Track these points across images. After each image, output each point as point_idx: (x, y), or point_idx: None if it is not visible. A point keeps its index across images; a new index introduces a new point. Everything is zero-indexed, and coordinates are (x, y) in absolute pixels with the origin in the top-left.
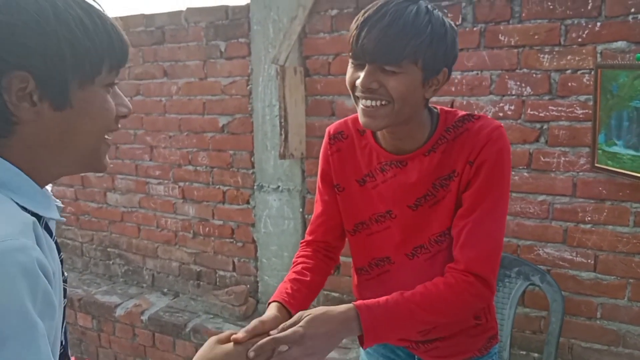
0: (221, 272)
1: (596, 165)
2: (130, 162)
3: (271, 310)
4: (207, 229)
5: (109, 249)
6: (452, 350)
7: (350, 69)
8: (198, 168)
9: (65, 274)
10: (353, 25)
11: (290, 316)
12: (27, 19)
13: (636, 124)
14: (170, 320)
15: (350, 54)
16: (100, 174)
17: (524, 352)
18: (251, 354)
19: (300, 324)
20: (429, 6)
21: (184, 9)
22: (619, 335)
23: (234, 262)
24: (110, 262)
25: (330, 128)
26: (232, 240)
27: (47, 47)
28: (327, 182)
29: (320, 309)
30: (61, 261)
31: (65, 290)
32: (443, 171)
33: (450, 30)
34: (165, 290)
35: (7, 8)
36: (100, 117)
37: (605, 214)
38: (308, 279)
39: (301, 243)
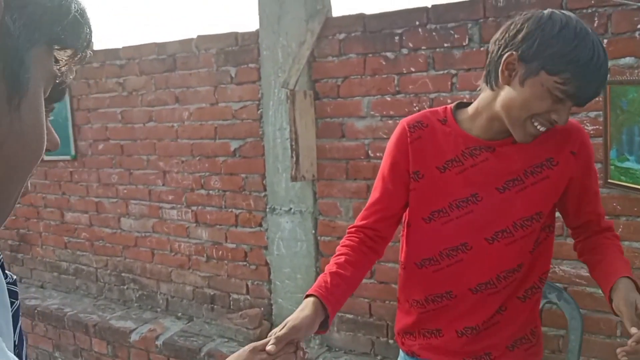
0: (235, 295)
1: (609, 181)
2: (144, 188)
3: (308, 308)
4: (220, 252)
5: (123, 274)
6: None
7: (546, 97)
8: (210, 192)
9: (13, 276)
10: (574, 66)
11: (326, 312)
12: None
13: None
14: (185, 344)
15: (560, 91)
16: (114, 199)
17: None
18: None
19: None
20: (584, 26)
21: (194, 36)
22: None
23: (247, 285)
24: (125, 287)
25: (405, 120)
26: (245, 263)
27: None
28: (397, 172)
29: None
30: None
31: (14, 292)
32: (536, 159)
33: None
34: (180, 314)
35: None
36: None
37: (620, 229)
38: (349, 273)
39: (349, 229)
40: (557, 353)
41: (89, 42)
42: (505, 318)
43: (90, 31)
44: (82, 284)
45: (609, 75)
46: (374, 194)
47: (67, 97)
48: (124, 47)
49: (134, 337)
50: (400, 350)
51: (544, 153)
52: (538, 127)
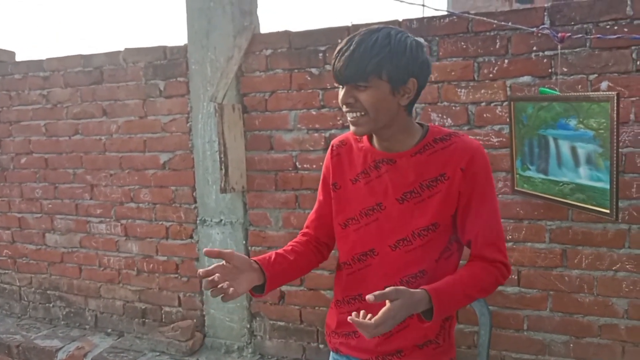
0: (167, 308)
1: (516, 189)
2: (70, 202)
3: (241, 258)
4: (151, 265)
5: (48, 292)
6: None
7: (339, 92)
8: (140, 205)
9: None
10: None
11: (264, 277)
12: None
13: (544, 150)
14: None
15: (333, 78)
16: (39, 214)
17: None
18: (371, 297)
19: (391, 306)
20: (392, 31)
21: (122, 49)
22: (545, 344)
23: (179, 297)
24: (51, 305)
25: (334, 140)
26: (176, 275)
27: None
28: (325, 185)
29: (404, 294)
30: None
31: None
32: (430, 174)
33: (412, 46)
34: (109, 330)
35: None
36: None
37: (523, 232)
38: (292, 258)
39: (300, 232)
40: (472, 348)
41: None
42: (415, 321)
43: None
44: (4, 304)
45: (509, 92)
46: (316, 205)
47: None
48: (47, 59)
49: (61, 355)
50: (330, 351)
51: (439, 168)
52: (348, 115)
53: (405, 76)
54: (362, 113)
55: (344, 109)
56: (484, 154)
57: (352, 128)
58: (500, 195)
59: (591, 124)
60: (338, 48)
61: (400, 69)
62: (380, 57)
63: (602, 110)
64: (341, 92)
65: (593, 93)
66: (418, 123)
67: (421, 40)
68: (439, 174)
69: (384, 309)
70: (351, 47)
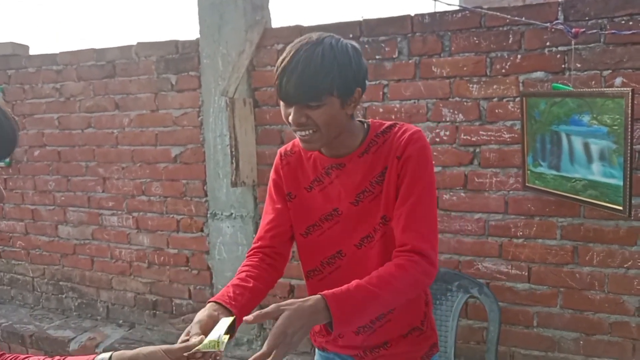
0: (177, 301)
1: (527, 185)
2: (82, 194)
3: (206, 311)
4: (162, 258)
5: (61, 283)
6: (397, 359)
7: (282, 106)
8: (152, 198)
9: None
10: (275, 74)
11: (231, 314)
12: None
13: (556, 147)
14: None
15: (278, 96)
16: (51, 207)
17: None
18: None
19: (278, 329)
20: (332, 41)
21: (134, 43)
22: (554, 341)
23: (189, 290)
24: (63, 296)
25: (281, 149)
26: (187, 268)
27: None
28: (279, 192)
29: (292, 305)
30: None
31: None
32: (377, 169)
33: (354, 55)
34: (121, 321)
35: None
36: None
37: (535, 228)
38: (251, 285)
39: (247, 253)
40: (481, 344)
41: None
42: (396, 316)
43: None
44: (18, 294)
45: (521, 87)
46: (266, 216)
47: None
48: (61, 53)
49: (73, 346)
50: (315, 348)
51: (382, 162)
52: (297, 133)
53: (353, 87)
54: (314, 130)
55: (293, 127)
56: (420, 138)
57: (303, 145)
58: (511, 192)
59: (605, 120)
60: (282, 65)
61: (348, 82)
62: (332, 76)
63: (617, 106)
64: (289, 109)
65: (608, 89)
66: (358, 120)
67: (356, 44)
68: (384, 168)
69: (272, 328)
70: (299, 66)
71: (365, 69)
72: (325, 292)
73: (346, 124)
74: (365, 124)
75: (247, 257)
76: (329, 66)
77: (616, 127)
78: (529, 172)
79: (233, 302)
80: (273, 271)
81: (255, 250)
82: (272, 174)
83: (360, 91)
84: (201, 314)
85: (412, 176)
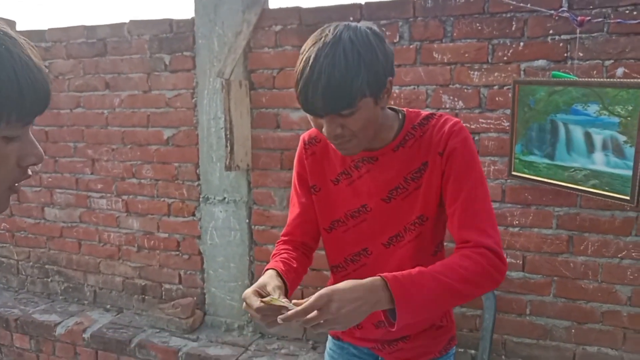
0: (167, 286)
1: (513, 173)
2: (70, 176)
3: (276, 278)
4: (152, 242)
5: (47, 266)
6: (415, 352)
7: (310, 117)
8: (142, 181)
9: None
10: (296, 88)
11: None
12: None
13: (551, 135)
14: (114, 336)
15: (304, 110)
16: (38, 188)
17: (462, 350)
18: (280, 321)
19: (325, 290)
20: (351, 34)
21: (127, 21)
22: (546, 329)
23: (180, 275)
24: (49, 280)
25: (305, 135)
26: (177, 252)
27: None
28: (303, 185)
29: (344, 282)
30: None
31: None
32: (413, 165)
33: (378, 44)
34: (108, 306)
35: None
36: None
37: (531, 217)
38: (295, 265)
39: (277, 243)
40: (474, 332)
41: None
42: None
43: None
44: (2, 277)
45: (523, 75)
46: (293, 209)
47: None
48: (49, 29)
49: (60, 330)
50: (328, 335)
51: (421, 157)
52: (333, 142)
53: (384, 79)
54: (350, 138)
55: (330, 139)
56: (461, 129)
57: (342, 152)
58: (508, 180)
59: (617, 111)
60: (303, 77)
61: (379, 77)
62: (360, 76)
63: (631, 97)
64: (320, 120)
65: (623, 79)
66: (391, 108)
67: (376, 28)
68: (422, 164)
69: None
70: (323, 76)
71: (391, 53)
72: (384, 274)
73: (380, 118)
74: (400, 114)
75: (278, 244)
76: (355, 67)
77: (630, 118)
78: (516, 160)
79: (287, 275)
80: (307, 259)
81: (285, 241)
82: (295, 164)
83: (392, 80)
84: (274, 280)
85: (459, 172)
